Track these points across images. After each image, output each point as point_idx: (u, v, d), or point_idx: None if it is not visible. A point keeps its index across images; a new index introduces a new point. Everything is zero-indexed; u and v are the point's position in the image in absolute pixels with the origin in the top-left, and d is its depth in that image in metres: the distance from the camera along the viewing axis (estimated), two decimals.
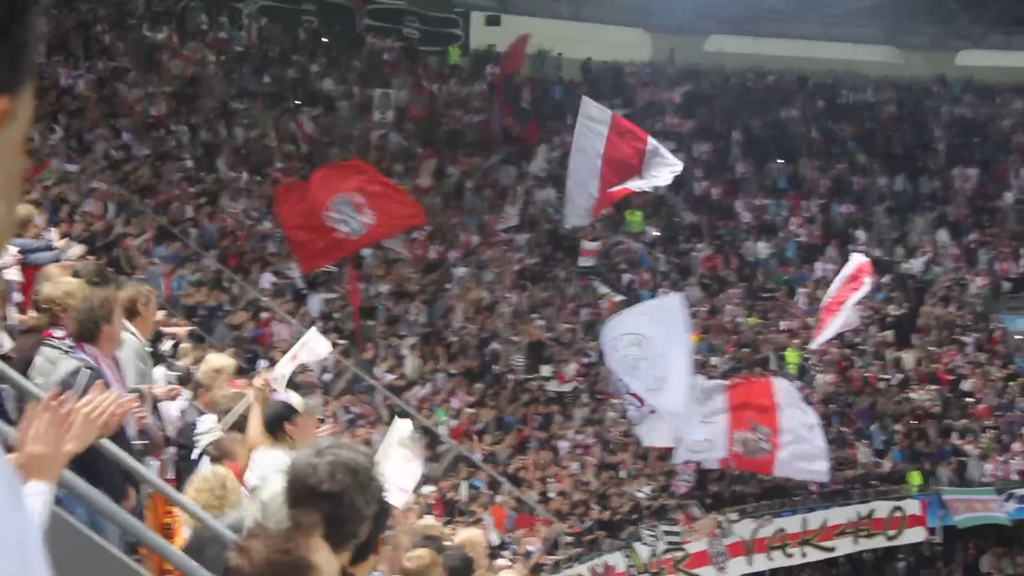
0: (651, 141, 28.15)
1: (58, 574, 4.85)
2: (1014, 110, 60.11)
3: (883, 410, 45.02)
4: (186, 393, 13.84)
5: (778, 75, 59.12)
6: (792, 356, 44.70)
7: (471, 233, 45.09)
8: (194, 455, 12.07)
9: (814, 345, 39.14)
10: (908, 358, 47.37)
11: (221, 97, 43.17)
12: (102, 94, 38.04)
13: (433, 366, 37.35)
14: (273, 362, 29.21)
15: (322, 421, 24.38)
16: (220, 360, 14.41)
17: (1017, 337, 50.53)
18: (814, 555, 41.46)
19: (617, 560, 35.61)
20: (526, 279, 44.68)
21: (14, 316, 12.03)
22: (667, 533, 37.63)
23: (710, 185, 53.34)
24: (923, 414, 45.27)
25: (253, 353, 30.45)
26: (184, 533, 10.20)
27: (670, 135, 53.90)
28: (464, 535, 13.48)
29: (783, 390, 29.75)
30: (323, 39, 50.48)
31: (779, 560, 40.75)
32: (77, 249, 17.42)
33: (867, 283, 33.26)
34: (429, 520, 19.11)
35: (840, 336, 39.10)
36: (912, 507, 42.26)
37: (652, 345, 26.92)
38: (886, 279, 50.26)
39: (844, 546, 41.90)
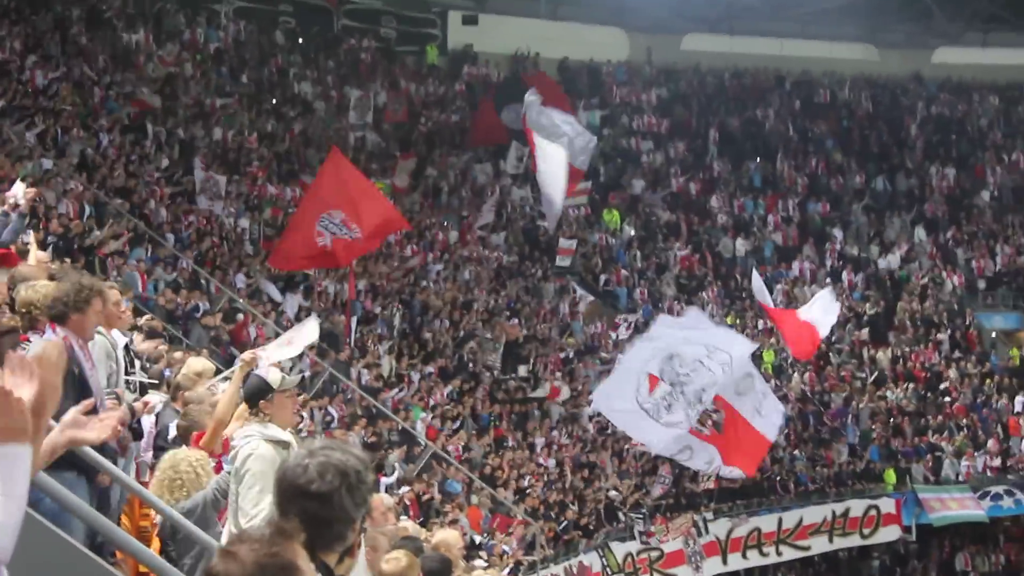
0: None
1: (23, 570, 4.90)
2: (990, 108, 60.29)
3: (859, 408, 45.15)
4: (160, 396, 13.88)
5: (755, 74, 59.22)
6: (768, 356, 44.81)
7: (448, 232, 45.16)
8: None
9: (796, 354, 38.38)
10: (884, 356, 47.52)
11: (198, 98, 43.13)
12: (78, 95, 37.97)
13: (409, 365, 37.37)
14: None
15: (300, 393, 24.43)
16: (199, 363, 14.45)
17: (993, 335, 50.72)
18: (789, 554, 41.57)
19: (592, 560, 35.69)
20: (503, 278, 44.76)
21: None
22: (642, 533, 37.71)
23: (687, 183, 53.43)
24: (899, 412, 45.41)
25: (230, 355, 30.44)
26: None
27: (647, 134, 54.12)
28: (440, 536, 13.50)
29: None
30: (300, 40, 50.43)
31: (754, 559, 40.86)
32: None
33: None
34: (405, 521, 19.16)
35: None
36: (887, 505, 42.40)
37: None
38: (862, 277, 50.50)
39: (819, 545, 42.03)
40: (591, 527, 36.89)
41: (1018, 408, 45.99)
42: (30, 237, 17.22)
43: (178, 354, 17.69)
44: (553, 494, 36.67)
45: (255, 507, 9.07)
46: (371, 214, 29.24)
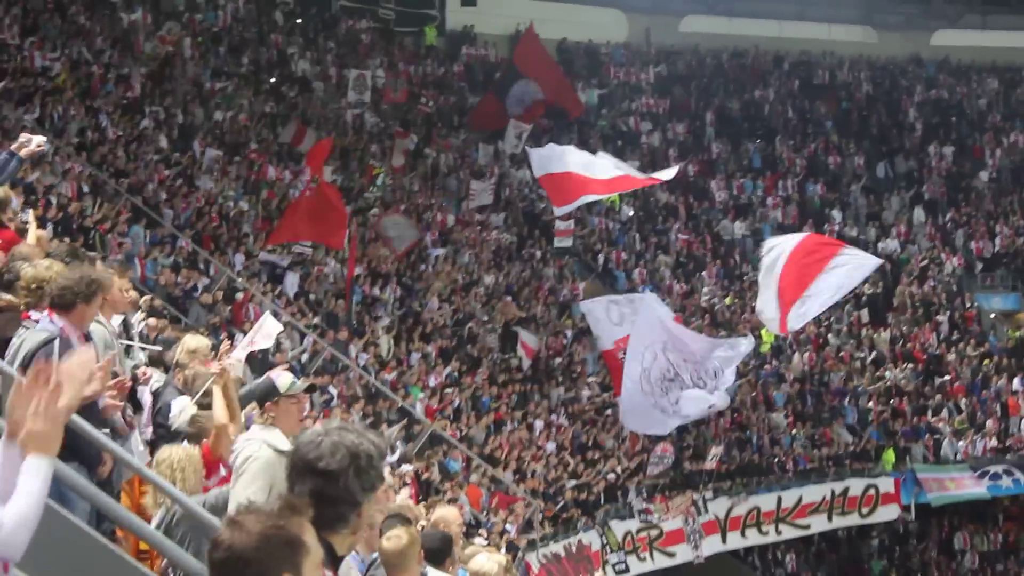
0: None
1: (31, 554, 4.94)
2: (989, 89, 60.34)
3: (858, 389, 45.17)
4: (159, 375, 13.90)
5: (753, 55, 59.19)
6: (767, 335, 44.77)
7: (447, 213, 45.13)
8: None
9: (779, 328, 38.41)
10: (883, 337, 47.55)
11: (196, 78, 43.10)
12: (77, 75, 37.95)
13: (408, 346, 37.40)
14: None
15: (312, 389, 24.53)
16: (196, 341, 14.45)
17: (992, 316, 50.75)
18: (789, 533, 41.59)
19: (592, 538, 35.72)
20: (502, 259, 44.74)
21: None
22: (642, 511, 37.75)
23: (686, 165, 53.37)
24: (897, 392, 45.43)
25: (225, 332, 30.48)
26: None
27: (645, 115, 54.10)
28: (439, 513, 13.50)
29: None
30: (299, 20, 50.37)
31: (753, 538, 40.89)
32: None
33: (843, 254, 32.63)
34: (405, 498, 19.18)
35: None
36: (886, 485, 42.39)
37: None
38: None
39: (819, 524, 42.02)
40: (591, 506, 36.94)
41: (1016, 388, 46.01)
42: (29, 216, 17.19)
43: (178, 333, 17.71)
44: (552, 473, 36.71)
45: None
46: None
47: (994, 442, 44.40)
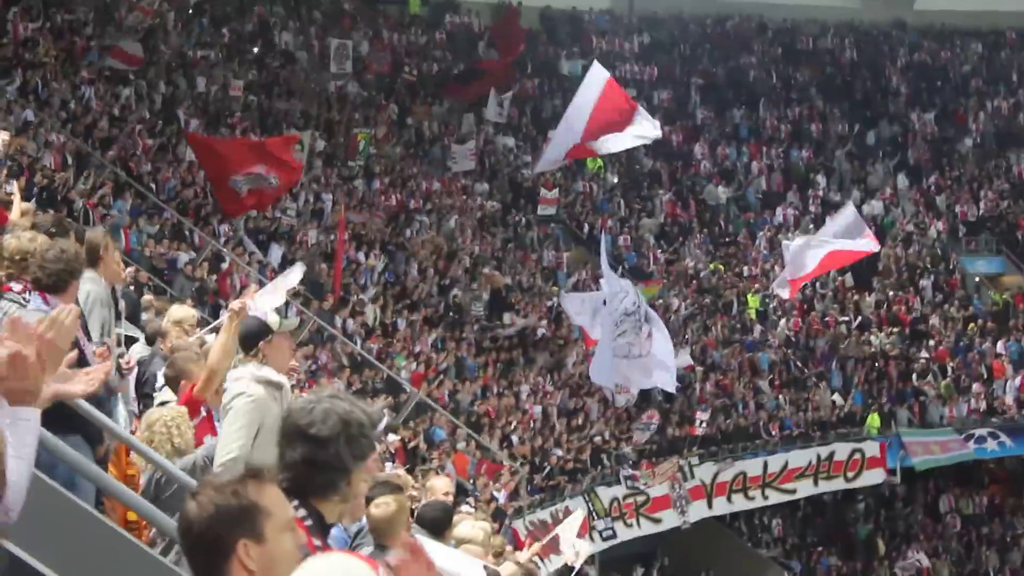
0: (639, 108, 29.63)
1: (37, 534, 4.98)
2: (973, 54, 60.35)
3: (843, 353, 45.29)
4: (142, 347, 13.91)
5: (737, 22, 59.14)
6: (753, 301, 44.91)
7: (432, 181, 45.10)
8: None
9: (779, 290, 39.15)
10: (868, 301, 47.67)
11: (179, 49, 43.00)
12: (60, 46, 37.85)
13: (394, 314, 37.40)
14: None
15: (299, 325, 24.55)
16: (181, 311, 14.46)
17: (976, 279, 50.89)
18: (775, 498, 41.72)
19: (579, 505, 35.82)
20: (487, 226, 44.74)
21: None
22: (628, 478, 37.87)
23: (670, 132, 53.35)
24: (882, 356, 45.56)
25: (213, 303, 30.50)
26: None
27: (630, 82, 53.93)
28: (428, 483, 13.57)
29: None
30: None
31: (740, 503, 41.02)
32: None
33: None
34: (391, 468, 19.22)
35: None
36: (872, 449, 42.52)
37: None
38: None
39: (805, 488, 42.17)
40: (577, 473, 37.03)
41: (1001, 351, 46.17)
42: (13, 187, 17.17)
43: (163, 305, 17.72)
44: (539, 440, 36.78)
45: (233, 443, 9.10)
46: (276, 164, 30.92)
47: (980, 405, 44.56)
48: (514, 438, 35.99)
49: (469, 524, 12.09)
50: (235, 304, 11.36)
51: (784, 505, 43.53)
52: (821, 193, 52.03)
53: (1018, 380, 45.22)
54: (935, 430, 43.71)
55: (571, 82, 53.01)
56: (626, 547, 38.52)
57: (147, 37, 41.54)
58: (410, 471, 23.39)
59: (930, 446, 43.23)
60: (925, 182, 54.19)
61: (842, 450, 42.18)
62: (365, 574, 4.28)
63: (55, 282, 9.68)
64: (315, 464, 5.30)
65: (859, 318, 46.99)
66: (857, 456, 42.25)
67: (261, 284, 29.77)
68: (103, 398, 10.51)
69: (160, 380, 12.63)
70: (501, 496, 31.92)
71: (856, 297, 47.95)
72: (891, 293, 48.30)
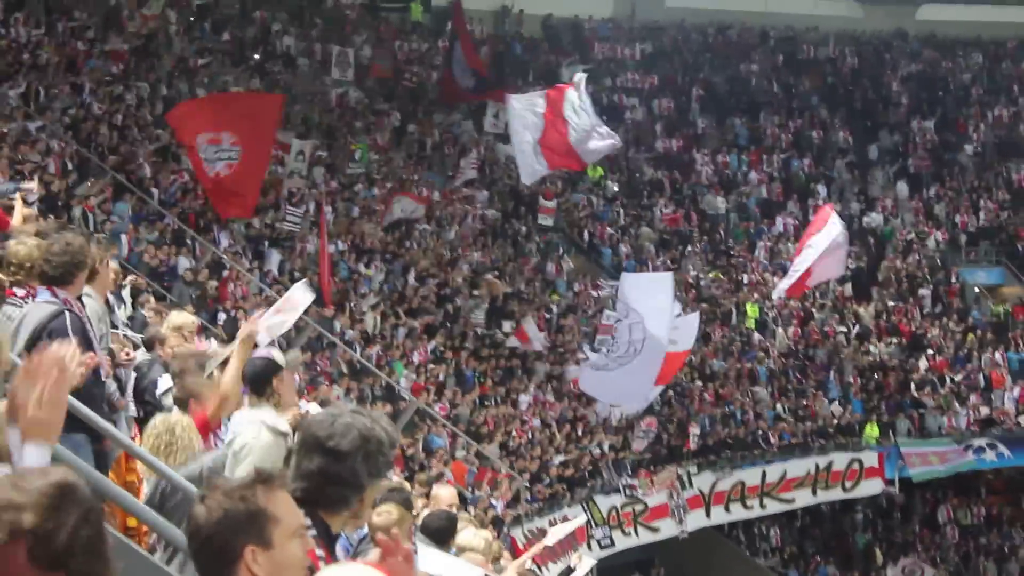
0: (572, 131, 30.58)
1: None
2: (974, 64, 60.42)
3: (842, 363, 45.30)
4: (143, 353, 13.89)
5: (739, 30, 59.16)
6: (752, 310, 44.92)
7: (432, 190, 45.04)
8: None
9: (777, 294, 39.82)
10: (867, 311, 47.67)
11: (181, 54, 42.99)
12: (62, 52, 37.84)
13: (394, 322, 37.39)
14: (232, 318, 29.41)
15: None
16: (180, 318, 14.46)
17: (975, 290, 50.89)
18: (773, 507, 41.76)
19: (577, 513, 35.83)
20: (487, 235, 44.72)
21: None
22: (627, 487, 37.89)
23: (671, 140, 53.41)
24: (882, 367, 45.57)
25: (213, 309, 30.50)
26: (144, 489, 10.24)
27: (631, 91, 54.07)
28: (433, 492, 13.58)
29: None
30: None
31: (738, 512, 41.06)
32: (33, 185, 17.37)
33: (831, 224, 34.48)
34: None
35: None
36: (870, 459, 42.59)
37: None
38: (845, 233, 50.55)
39: (803, 498, 42.20)
40: (576, 482, 37.05)
41: (1000, 362, 46.18)
42: (15, 193, 17.18)
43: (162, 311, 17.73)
44: (538, 449, 36.78)
45: None
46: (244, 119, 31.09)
47: (979, 415, 44.58)
48: (512, 446, 36.00)
49: (471, 532, 12.12)
50: (244, 330, 11.36)
51: (782, 515, 43.59)
52: (821, 203, 52.02)
53: (1017, 391, 45.28)
54: (933, 440, 43.74)
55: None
56: (624, 556, 38.53)
57: (148, 42, 41.57)
58: (408, 479, 23.39)
59: (928, 457, 43.25)
60: (925, 192, 54.22)
61: (840, 460, 42.23)
62: None
63: (62, 274, 9.69)
64: (330, 477, 5.30)
65: (858, 328, 47.00)
66: (855, 466, 42.31)
67: (261, 292, 29.91)
68: (107, 413, 10.53)
69: (160, 387, 12.63)
70: (499, 505, 31.92)
71: (855, 307, 47.95)
72: (890, 303, 48.30)
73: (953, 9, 60.19)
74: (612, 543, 37.44)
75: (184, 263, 31.63)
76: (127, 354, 12.51)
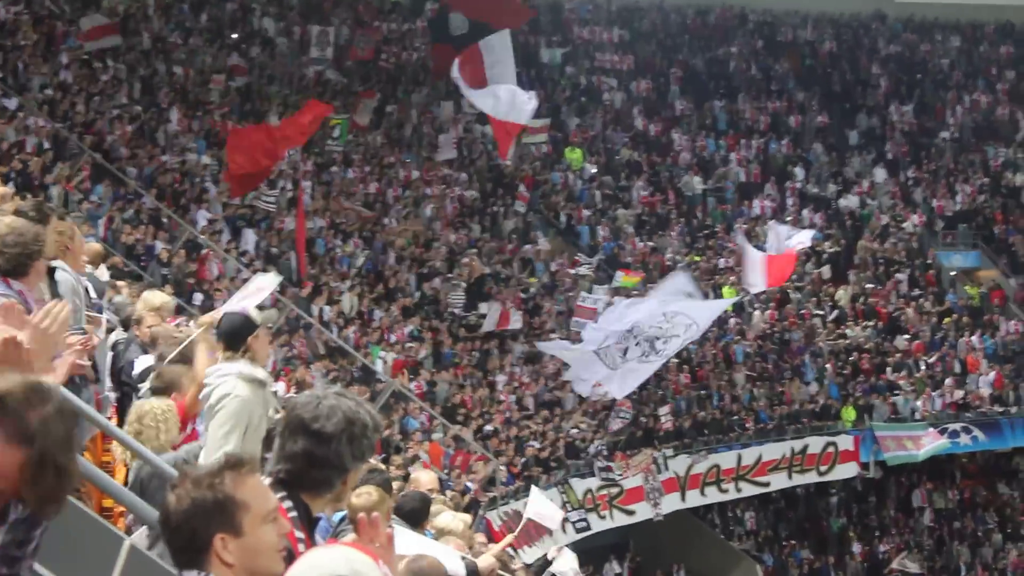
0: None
1: None
2: (952, 47, 60.49)
3: (818, 346, 45.35)
4: (121, 333, 13.83)
5: (718, 13, 59.12)
6: (728, 292, 44.89)
7: (410, 170, 44.98)
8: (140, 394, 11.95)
9: (755, 290, 40.02)
10: (844, 294, 47.71)
11: (159, 33, 42.85)
12: (40, 31, 37.69)
13: (371, 303, 37.35)
14: (208, 297, 29.39)
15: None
16: (158, 298, 14.39)
17: (952, 273, 50.96)
18: (748, 490, 41.82)
19: (553, 496, 35.81)
20: (465, 215, 44.67)
21: None
22: (602, 470, 37.91)
23: (649, 122, 53.38)
24: (858, 350, 45.62)
25: (191, 290, 30.44)
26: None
27: (609, 72, 53.99)
28: (412, 476, 13.57)
29: None
30: None
31: (713, 496, 41.10)
32: None
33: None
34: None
35: None
36: (845, 442, 42.65)
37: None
38: (822, 216, 50.64)
39: (778, 481, 42.25)
40: (552, 464, 37.04)
41: (976, 345, 46.28)
42: None
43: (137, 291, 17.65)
44: (514, 431, 36.78)
45: (220, 449, 9.05)
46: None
47: (954, 398, 44.66)
48: (488, 428, 35.99)
49: (449, 515, 12.11)
50: (205, 318, 11.33)
51: (757, 498, 43.70)
52: (798, 185, 52.10)
53: (992, 375, 45.36)
54: (908, 424, 43.77)
55: (551, 71, 53.14)
56: (599, 539, 38.56)
57: (126, 21, 41.42)
58: (385, 461, 23.39)
59: (903, 441, 43.27)
60: (903, 175, 54.27)
61: (816, 443, 42.29)
62: (368, 566, 4.30)
63: (15, 266, 9.50)
64: (314, 459, 5.30)
65: (835, 311, 47.06)
66: (830, 449, 42.38)
67: (239, 272, 29.87)
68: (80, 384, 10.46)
69: (136, 367, 12.57)
70: (473, 486, 31.91)
71: (832, 290, 48.00)
72: (867, 286, 48.35)
73: None
74: (588, 526, 37.43)
75: (163, 243, 31.59)
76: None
